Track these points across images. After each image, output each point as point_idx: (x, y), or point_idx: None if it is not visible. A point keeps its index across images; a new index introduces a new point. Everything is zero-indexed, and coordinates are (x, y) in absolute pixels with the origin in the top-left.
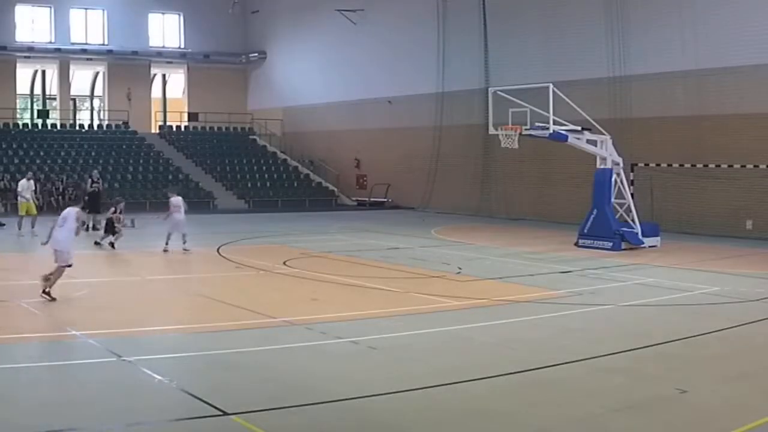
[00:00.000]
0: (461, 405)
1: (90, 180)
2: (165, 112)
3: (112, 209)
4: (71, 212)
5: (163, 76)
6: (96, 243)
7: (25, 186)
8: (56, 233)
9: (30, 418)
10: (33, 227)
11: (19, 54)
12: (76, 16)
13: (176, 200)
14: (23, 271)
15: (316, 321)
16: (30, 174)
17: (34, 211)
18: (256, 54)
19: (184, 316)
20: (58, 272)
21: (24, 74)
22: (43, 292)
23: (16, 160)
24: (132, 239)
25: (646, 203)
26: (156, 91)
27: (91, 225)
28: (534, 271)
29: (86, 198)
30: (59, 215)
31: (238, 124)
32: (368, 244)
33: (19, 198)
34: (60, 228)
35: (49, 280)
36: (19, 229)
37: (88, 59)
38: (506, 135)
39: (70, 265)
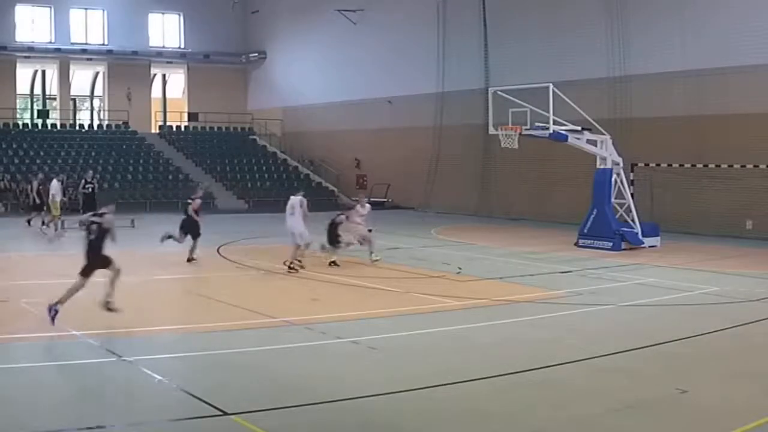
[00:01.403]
0: (461, 405)
1: (84, 181)
2: (165, 112)
3: (341, 213)
4: (296, 201)
5: (163, 76)
6: (332, 264)
7: (57, 187)
8: (289, 220)
9: (30, 418)
10: (57, 228)
11: (19, 54)
12: (76, 16)
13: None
14: (24, 270)
15: (316, 321)
16: (62, 176)
17: (59, 212)
18: (256, 54)
19: (184, 316)
20: (296, 250)
21: (24, 74)
22: (290, 267)
23: (16, 160)
24: (132, 239)
25: (646, 203)
26: (156, 91)
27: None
28: (534, 271)
29: (82, 198)
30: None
31: (238, 124)
32: None
33: (50, 199)
34: (291, 216)
35: (293, 261)
36: (56, 229)
37: (88, 59)
38: (506, 135)
39: (308, 244)
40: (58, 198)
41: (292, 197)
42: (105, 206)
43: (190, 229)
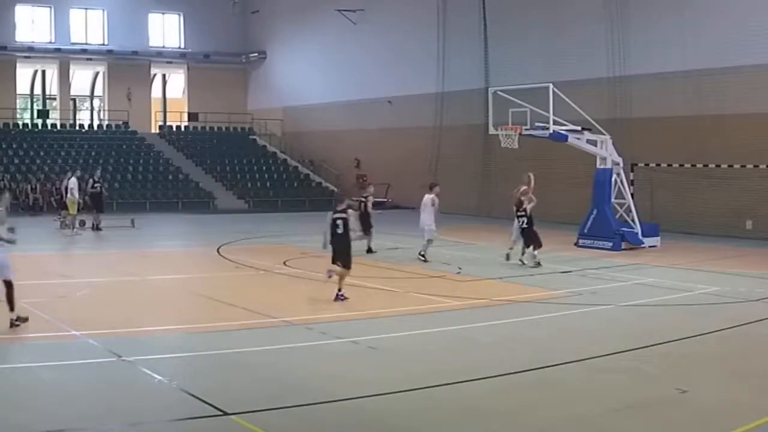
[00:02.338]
0: (461, 405)
1: (91, 180)
2: (165, 112)
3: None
4: (427, 199)
5: (163, 76)
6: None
7: (76, 184)
8: (421, 216)
9: (30, 418)
10: (75, 226)
11: (19, 54)
12: (76, 16)
13: (425, 198)
14: (25, 270)
15: (316, 321)
16: (79, 172)
17: (75, 210)
18: (256, 54)
19: (184, 316)
20: (428, 243)
21: (24, 74)
22: (420, 254)
23: (16, 160)
24: (132, 239)
25: (646, 203)
26: (156, 91)
27: (95, 225)
28: (534, 271)
29: (86, 198)
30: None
31: (238, 124)
32: None
33: (69, 196)
34: (423, 212)
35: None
36: (73, 228)
37: (88, 59)
38: (506, 135)
39: (430, 240)
40: (76, 195)
41: (426, 195)
42: (342, 203)
43: (366, 223)
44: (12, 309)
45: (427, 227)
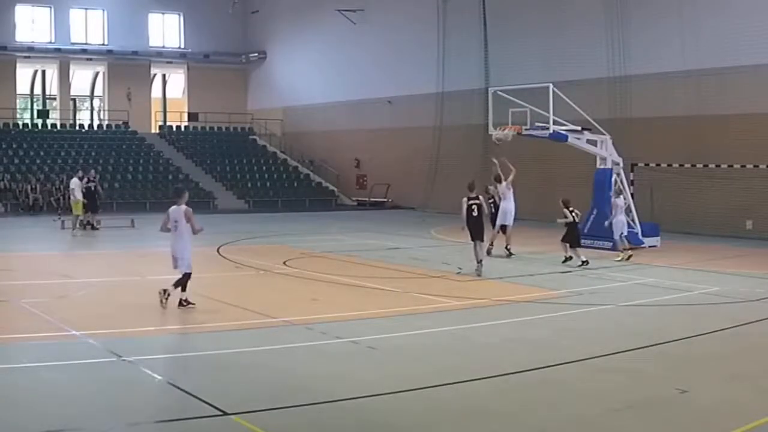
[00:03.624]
0: (461, 405)
1: (86, 179)
2: (165, 112)
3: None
4: (505, 189)
5: (163, 76)
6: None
7: (78, 185)
8: (503, 204)
9: (30, 418)
10: (83, 227)
11: (19, 54)
12: (76, 16)
13: (501, 187)
14: (26, 270)
15: (316, 321)
16: (81, 173)
17: (80, 211)
18: (256, 54)
19: (184, 316)
20: (508, 235)
21: (24, 74)
22: (506, 248)
23: (16, 160)
24: (132, 239)
25: (646, 203)
26: (156, 91)
27: (93, 223)
28: (534, 271)
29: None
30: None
31: (238, 124)
32: (368, 244)
33: (72, 197)
34: (504, 201)
35: (508, 246)
36: (73, 228)
37: (88, 59)
38: (499, 129)
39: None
40: (79, 196)
41: (498, 185)
42: (474, 190)
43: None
44: (183, 290)
45: (507, 221)
